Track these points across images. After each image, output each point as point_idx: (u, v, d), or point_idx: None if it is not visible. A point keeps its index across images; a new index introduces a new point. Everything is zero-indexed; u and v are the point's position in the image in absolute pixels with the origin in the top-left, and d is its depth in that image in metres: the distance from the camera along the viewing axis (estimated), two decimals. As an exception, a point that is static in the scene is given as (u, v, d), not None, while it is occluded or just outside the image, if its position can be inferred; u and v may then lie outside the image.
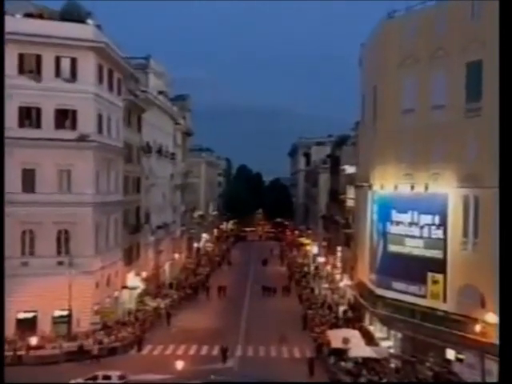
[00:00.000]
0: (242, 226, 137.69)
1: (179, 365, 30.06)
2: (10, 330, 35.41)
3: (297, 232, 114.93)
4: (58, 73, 37.92)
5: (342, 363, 33.98)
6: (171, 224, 65.70)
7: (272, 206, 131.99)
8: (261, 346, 39.65)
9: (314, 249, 79.43)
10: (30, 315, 37.07)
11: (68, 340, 36.57)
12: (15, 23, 36.50)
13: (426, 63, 33.60)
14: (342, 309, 47.87)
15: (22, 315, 36.92)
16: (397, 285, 35.19)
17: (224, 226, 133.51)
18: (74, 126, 38.69)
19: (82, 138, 38.71)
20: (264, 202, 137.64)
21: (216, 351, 37.64)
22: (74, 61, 38.22)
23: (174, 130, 70.11)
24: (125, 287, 46.55)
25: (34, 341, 34.94)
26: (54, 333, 37.25)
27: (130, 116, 49.99)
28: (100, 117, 40.82)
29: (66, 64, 38.03)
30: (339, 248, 57.49)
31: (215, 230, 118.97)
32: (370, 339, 37.17)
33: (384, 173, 36.88)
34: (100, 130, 40.90)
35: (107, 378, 30.73)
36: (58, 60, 37.82)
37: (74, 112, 38.59)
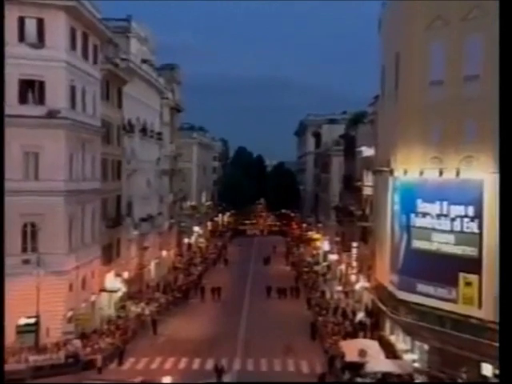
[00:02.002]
0: (241, 218, 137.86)
1: (167, 380, 29.93)
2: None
3: (304, 225, 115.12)
4: (21, 37, 37.34)
5: (359, 379, 33.84)
6: (157, 216, 65.63)
7: (276, 194, 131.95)
8: (262, 359, 39.57)
9: (324, 245, 79.51)
10: (-10, 323, 36.85)
11: (36, 353, 36.33)
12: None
13: (459, 25, 33.04)
14: (358, 315, 47.80)
15: (-19, 323, 36.70)
16: (422, 287, 34.92)
17: (219, 218, 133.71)
18: (41, 101, 38.30)
19: (52, 115, 38.35)
20: (266, 191, 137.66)
21: (210, 365, 37.48)
22: (40, 22, 37.63)
23: (160, 106, 69.95)
24: (103, 290, 46.52)
25: (-6, 354, 34.67)
26: (19, 344, 36.97)
27: (109, 89, 49.70)
28: (73, 89, 40.45)
29: (31, 26, 37.44)
30: (355, 244, 57.39)
31: (209, 224, 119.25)
32: (390, 351, 37.08)
33: (407, 156, 36.54)
34: (73, 106, 40.56)
35: None
36: (21, 21, 37.19)
37: (42, 83, 38.14)
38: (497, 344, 29.77)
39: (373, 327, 43.52)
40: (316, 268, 75.56)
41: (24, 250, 38.10)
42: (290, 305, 58.13)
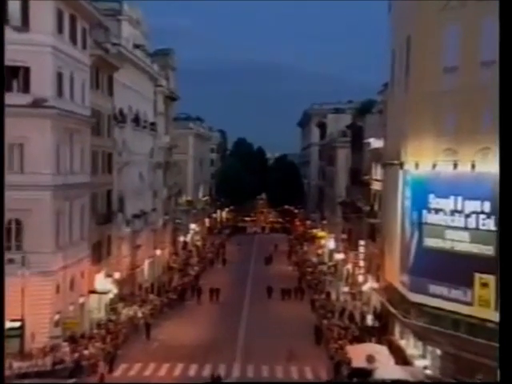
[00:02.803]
0: (240, 214, 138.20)
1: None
2: None
3: (309, 222, 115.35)
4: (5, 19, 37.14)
5: (366, 387, 33.84)
6: (151, 212, 65.61)
7: (278, 189, 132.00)
8: (263, 365, 39.59)
9: (330, 243, 79.63)
10: (-29, 327, 36.81)
11: (20, 359, 36.25)
12: None
13: (475, 7, 32.92)
14: (366, 318, 47.74)
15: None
16: (435, 288, 34.87)
17: (218, 214, 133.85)
18: (26, 88, 38.15)
19: (38, 104, 38.24)
20: (268, 185, 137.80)
21: (207, 371, 37.55)
22: (25, 4, 37.41)
23: (154, 94, 69.81)
24: (93, 291, 46.42)
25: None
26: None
27: (99, 76, 49.51)
28: (60, 76, 40.29)
29: (15, 8, 37.12)
30: (362, 242, 57.39)
31: (207, 220, 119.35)
32: (400, 357, 37.09)
33: (419, 147, 36.49)
34: (60, 94, 40.41)
35: None
36: (4, 3, 36.90)
37: (27, 70, 37.95)
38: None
39: (382, 331, 43.50)
40: (321, 268, 75.64)
41: (8, 248, 37.79)
42: (292, 307, 58.19)
